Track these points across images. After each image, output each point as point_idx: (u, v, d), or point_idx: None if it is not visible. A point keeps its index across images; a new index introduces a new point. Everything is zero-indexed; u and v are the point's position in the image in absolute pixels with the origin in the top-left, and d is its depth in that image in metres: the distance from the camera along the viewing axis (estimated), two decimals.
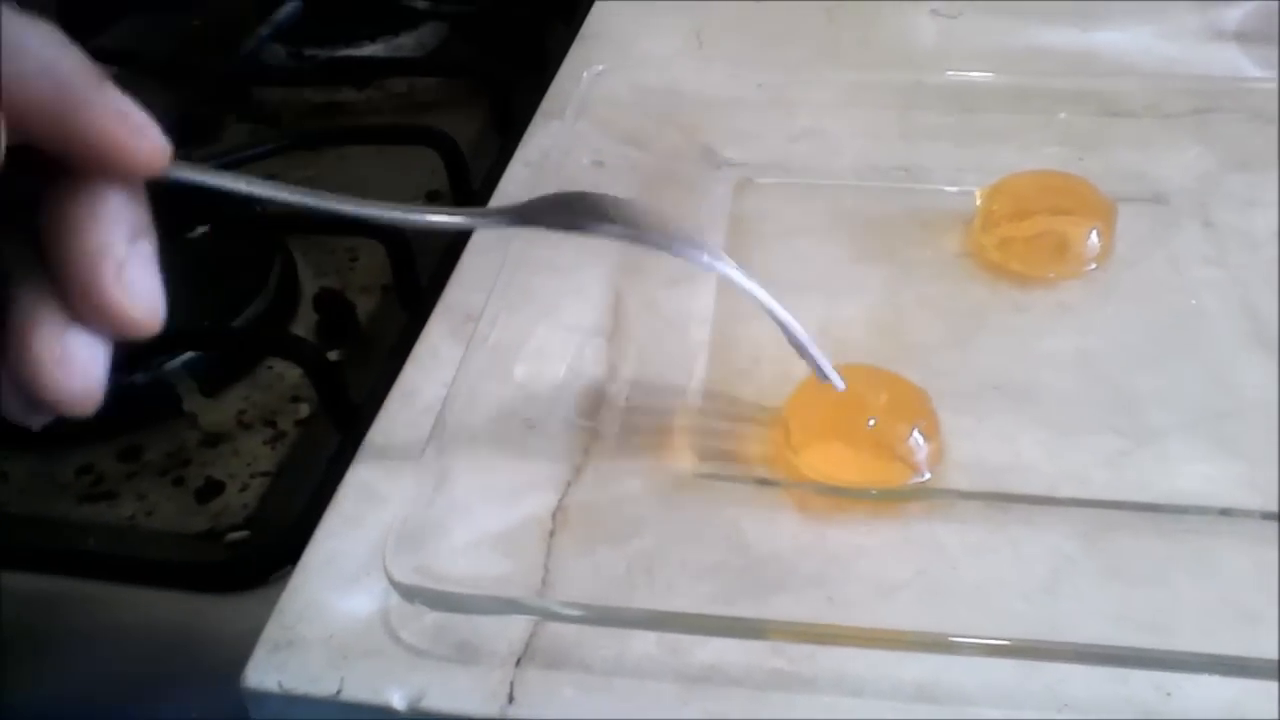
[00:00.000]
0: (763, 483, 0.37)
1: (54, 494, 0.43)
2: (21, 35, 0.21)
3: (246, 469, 0.44)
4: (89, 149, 0.22)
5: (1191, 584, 0.34)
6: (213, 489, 0.43)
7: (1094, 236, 0.45)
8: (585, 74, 0.53)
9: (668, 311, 0.44)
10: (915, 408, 0.38)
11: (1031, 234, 0.45)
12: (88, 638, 0.39)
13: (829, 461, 0.37)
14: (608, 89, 0.53)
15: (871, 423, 0.37)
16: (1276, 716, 0.31)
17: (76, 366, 0.23)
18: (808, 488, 0.37)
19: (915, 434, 0.37)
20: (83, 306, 0.22)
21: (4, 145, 0.21)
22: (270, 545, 0.39)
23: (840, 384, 0.36)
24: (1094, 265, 0.45)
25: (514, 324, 0.41)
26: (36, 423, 0.24)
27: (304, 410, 0.46)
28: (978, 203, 0.48)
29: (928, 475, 0.37)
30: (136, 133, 0.22)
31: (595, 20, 0.66)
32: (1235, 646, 0.31)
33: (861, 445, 0.37)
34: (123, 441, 0.45)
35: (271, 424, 0.46)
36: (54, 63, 0.22)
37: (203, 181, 0.25)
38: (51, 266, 0.22)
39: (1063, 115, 0.52)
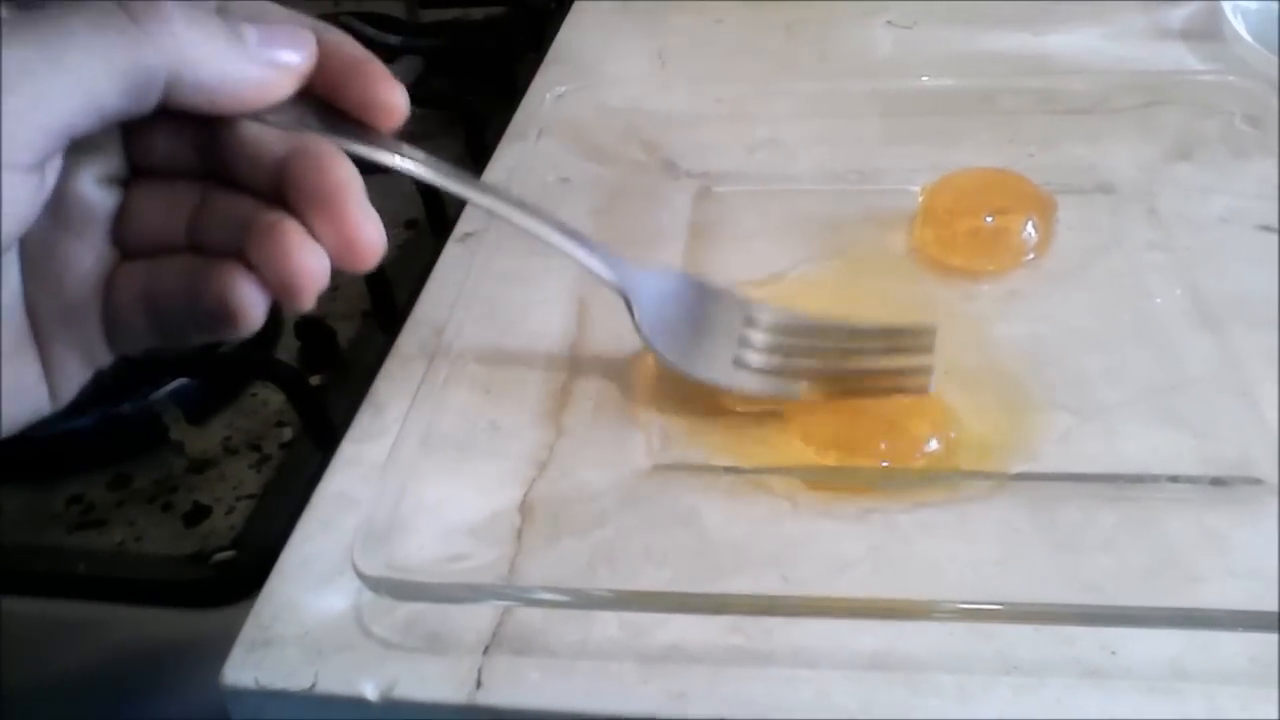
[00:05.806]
0: (722, 470, 0.38)
1: (46, 524, 0.44)
2: None
3: (232, 492, 0.45)
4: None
5: (1138, 550, 0.35)
6: (200, 513, 0.44)
7: (1030, 228, 0.47)
8: (548, 96, 0.54)
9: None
10: None
11: (968, 229, 0.47)
12: (79, 655, 0.40)
13: None
14: (571, 110, 0.54)
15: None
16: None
17: (319, 254, 0.26)
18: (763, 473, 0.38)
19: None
20: (328, 225, 0.26)
21: None
22: (254, 562, 0.40)
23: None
24: (1032, 256, 0.46)
25: (479, 333, 0.42)
26: (255, 319, 0.26)
27: (287, 434, 0.47)
28: (919, 201, 0.49)
29: None
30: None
31: (561, 46, 0.67)
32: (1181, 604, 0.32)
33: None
34: (111, 471, 0.46)
35: (256, 448, 0.47)
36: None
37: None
38: (301, 196, 0.26)
39: (1013, 114, 0.53)
